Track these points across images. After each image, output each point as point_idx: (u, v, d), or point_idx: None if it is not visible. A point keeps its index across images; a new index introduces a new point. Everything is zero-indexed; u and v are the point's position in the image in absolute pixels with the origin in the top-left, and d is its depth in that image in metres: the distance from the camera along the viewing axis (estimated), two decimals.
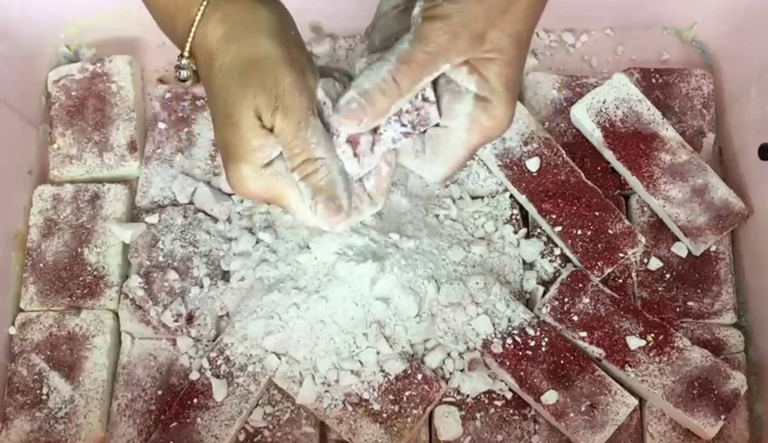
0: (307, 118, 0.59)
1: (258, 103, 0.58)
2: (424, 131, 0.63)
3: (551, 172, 0.85)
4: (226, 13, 0.58)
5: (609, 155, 0.87)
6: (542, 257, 0.84)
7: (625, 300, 0.81)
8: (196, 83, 0.63)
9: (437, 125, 0.62)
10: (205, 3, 0.58)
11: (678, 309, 0.83)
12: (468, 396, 0.79)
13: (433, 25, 0.56)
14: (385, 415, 0.76)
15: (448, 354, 0.79)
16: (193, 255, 0.84)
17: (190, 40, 0.59)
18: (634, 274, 0.84)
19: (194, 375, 0.79)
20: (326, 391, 0.77)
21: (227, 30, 0.58)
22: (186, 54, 0.61)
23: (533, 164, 0.85)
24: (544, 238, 0.85)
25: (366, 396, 0.77)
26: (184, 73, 0.62)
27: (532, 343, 0.79)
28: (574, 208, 0.84)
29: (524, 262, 0.84)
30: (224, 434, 0.77)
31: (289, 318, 0.78)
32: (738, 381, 0.78)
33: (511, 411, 0.79)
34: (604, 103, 0.87)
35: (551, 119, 0.90)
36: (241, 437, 0.79)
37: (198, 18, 0.58)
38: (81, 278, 0.85)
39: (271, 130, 0.59)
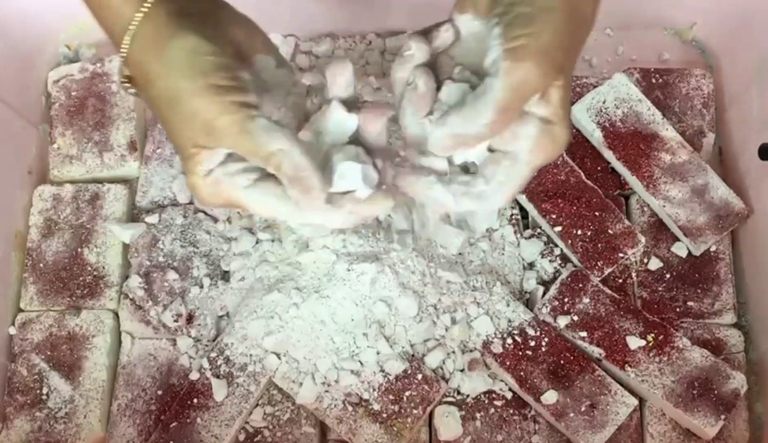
0: (241, 125, 0.57)
1: (190, 136, 0.58)
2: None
3: (551, 172, 0.85)
4: (141, 46, 0.58)
5: (609, 155, 0.87)
6: (542, 257, 0.84)
7: (625, 300, 0.81)
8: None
9: (491, 150, 0.60)
10: (127, 38, 0.58)
11: (678, 309, 0.83)
12: (468, 396, 0.79)
13: (524, 65, 0.55)
14: (385, 415, 0.76)
15: (448, 354, 0.79)
16: (193, 255, 0.84)
17: (120, 68, 0.60)
18: (634, 274, 0.84)
19: (194, 375, 0.79)
20: (326, 391, 0.77)
21: (145, 66, 0.58)
22: (123, 79, 0.61)
23: None
24: (544, 238, 0.85)
25: (366, 396, 0.77)
26: (131, 90, 0.62)
27: (532, 343, 0.79)
28: (574, 208, 0.84)
29: (524, 262, 0.84)
30: (224, 434, 0.77)
31: (289, 318, 0.78)
32: (738, 381, 0.78)
33: (511, 411, 0.79)
34: (604, 103, 0.87)
35: None
36: (241, 437, 0.79)
37: (124, 50, 0.59)
38: (81, 278, 0.85)
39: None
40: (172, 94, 0.57)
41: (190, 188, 0.61)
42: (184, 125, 0.58)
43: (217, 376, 0.79)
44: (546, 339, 0.79)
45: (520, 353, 0.79)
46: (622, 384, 0.78)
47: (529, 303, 0.83)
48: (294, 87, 0.66)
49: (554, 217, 0.84)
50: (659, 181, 0.85)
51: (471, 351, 0.79)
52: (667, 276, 0.84)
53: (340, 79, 0.63)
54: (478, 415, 0.79)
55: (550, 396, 0.77)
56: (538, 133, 0.58)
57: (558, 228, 0.83)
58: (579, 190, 0.85)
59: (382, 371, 0.77)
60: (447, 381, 0.78)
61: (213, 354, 0.79)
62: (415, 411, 0.77)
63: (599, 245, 0.83)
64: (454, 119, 0.57)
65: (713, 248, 0.85)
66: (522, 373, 0.78)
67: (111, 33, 0.60)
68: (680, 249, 0.85)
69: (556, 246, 0.85)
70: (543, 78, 0.55)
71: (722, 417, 0.77)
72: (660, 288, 0.84)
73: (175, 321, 0.82)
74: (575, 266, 0.83)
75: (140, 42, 0.58)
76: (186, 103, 0.57)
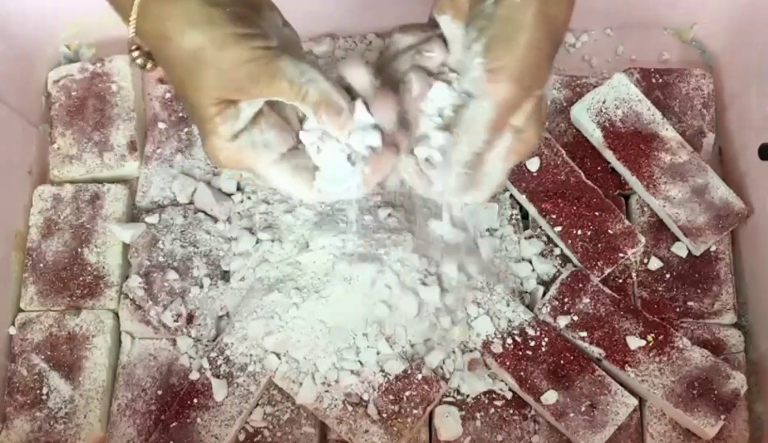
0: (270, 66, 0.58)
1: (213, 93, 0.59)
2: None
3: (551, 172, 0.85)
4: (152, 11, 0.58)
5: (609, 155, 0.87)
6: (542, 257, 0.84)
7: (625, 300, 0.81)
8: (155, 67, 0.64)
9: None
10: (136, 4, 0.59)
11: (678, 309, 0.83)
12: (468, 396, 0.79)
13: (506, 86, 0.58)
14: (385, 415, 0.76)
15: (448, 354, 0.79)
16: (193, 255, 0.84)
17: (131, 36, 0.60)
18: (634, 274, 0.84)
19: (194, 375, 0.79)
20: (326, 391, 0.77)
21: (159, 28, 0.58)
22: (132, 48, 0.62)
23: (533, 164, 0.85)
24: (544, 238, 0.85)
25: (366, 396, 0.77)
26: (139, 61, 0.63)
27: (532, 343, 0.79)
28: (574, 208, 0.84)
29: (524, 262, 0.84)
30: (224, 434, 0.77)
31: (289, 318, 0.78)
32: (738, 381, 0.78)
33: (511, 411, 0.79)
34: (604, 103, 0.87)
35: (551, 119, 0.90)
36: (241, 437, 0.79)
37: (133, 18, 0.59)
38: (81, 278, 0.85)
39: (235, 102, 0.60)
40: (192, 47, 0.57)
41: (208, 151, 0.61)
42: (207, 80, 0.58)
43: (217, 376, 0.79)
44: (546, 339, 0.79)
45: (520, 353, 0.79)
46: (622, 384, 0.78)
47: (529, 304, 0.83)
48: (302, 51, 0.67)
49: (554, 217, 0.84)
50: (659, 181, 0.85)
51: (471, 351, 0.79)
52: (667, 276, 0.84)
53: (360, 79, 0.64)
54: (478, 415, 0.79)
55: (550, 396, 0.77)
56: (512, 141, 0.62)
57: (558, 228, 0.83)
58: (579, 190, 0.85)
59: (382, 371, 0.77)
60: (447, 381, 0.78)
61: (213, 354, 0.79)
62: (415, 411, 0.77)
63: (599, 245, 0.83)
64: (458, 153, 0.61)
65: (713, 248, 0.85)
66: (522, 373, 0.78)
67: (119, 7, 0.60)
68: (680, 250, 0.85)
69: (556, 246, 0.85)
70: (524, 92, 0.59)
71: (722, 417, 0.77)
72: (660, 288, 0.84)
73: (175, 321, 0.82)
74: (575, 266, 0.83)
75: (149, 7, 0.58)
76: (209, 55, 0.57)
